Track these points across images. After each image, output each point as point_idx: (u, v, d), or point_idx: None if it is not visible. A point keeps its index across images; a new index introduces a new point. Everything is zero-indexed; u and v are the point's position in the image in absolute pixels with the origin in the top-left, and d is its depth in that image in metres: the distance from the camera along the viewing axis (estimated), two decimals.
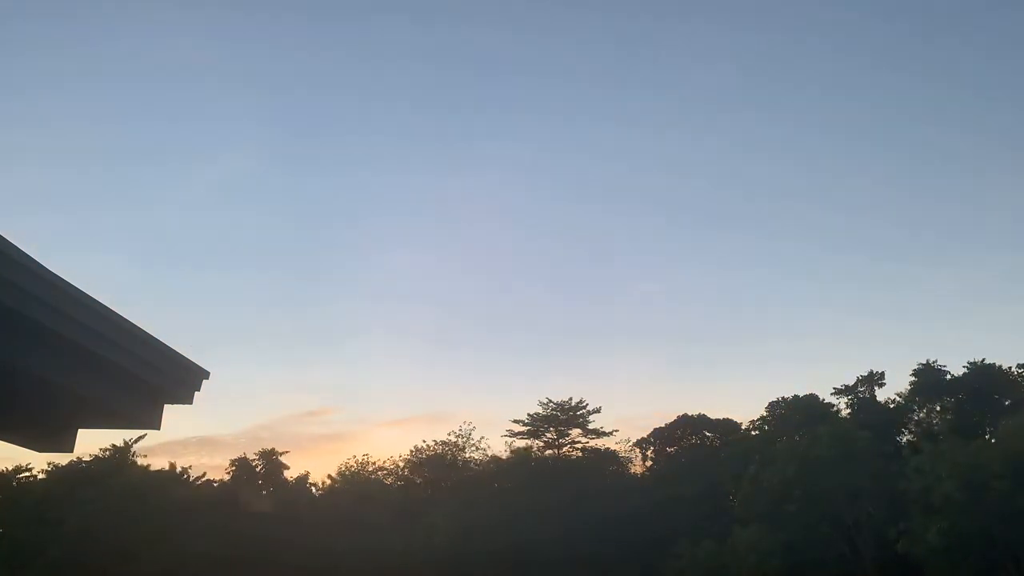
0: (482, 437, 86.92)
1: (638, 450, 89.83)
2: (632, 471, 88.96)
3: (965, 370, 76.79)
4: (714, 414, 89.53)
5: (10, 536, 63.23)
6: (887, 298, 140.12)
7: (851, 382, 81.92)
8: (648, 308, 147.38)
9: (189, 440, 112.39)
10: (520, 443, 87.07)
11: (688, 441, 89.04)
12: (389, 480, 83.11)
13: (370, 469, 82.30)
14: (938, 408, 78.18)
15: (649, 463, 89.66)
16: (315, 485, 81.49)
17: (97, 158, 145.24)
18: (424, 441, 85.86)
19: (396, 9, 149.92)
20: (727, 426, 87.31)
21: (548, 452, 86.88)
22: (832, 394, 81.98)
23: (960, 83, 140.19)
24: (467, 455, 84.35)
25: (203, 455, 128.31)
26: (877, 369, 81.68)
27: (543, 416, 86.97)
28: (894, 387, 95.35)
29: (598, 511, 70.07)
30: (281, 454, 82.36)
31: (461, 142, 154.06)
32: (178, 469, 77.03)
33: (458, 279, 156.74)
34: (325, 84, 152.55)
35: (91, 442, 76.16)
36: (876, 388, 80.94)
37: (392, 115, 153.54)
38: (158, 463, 78.03)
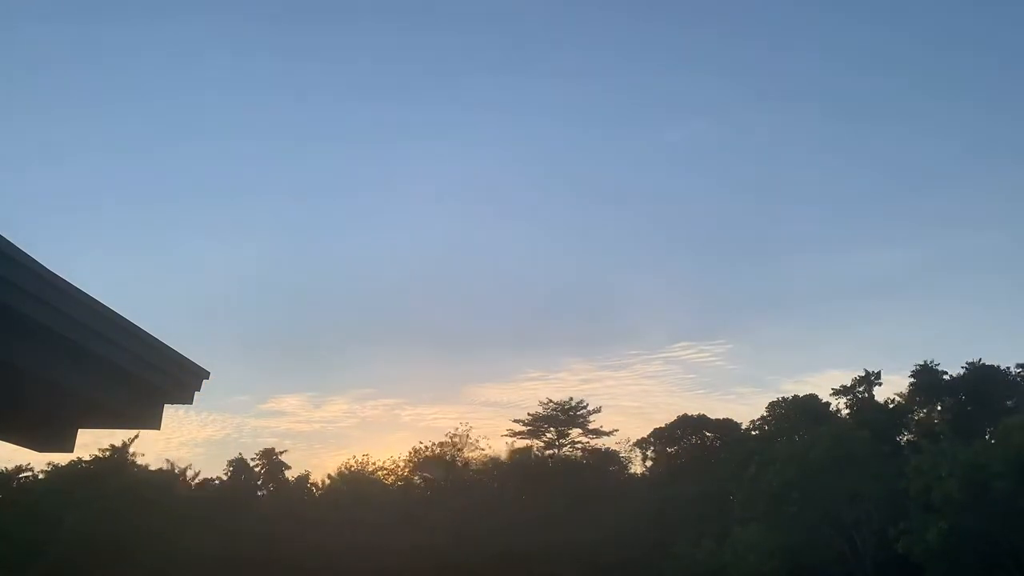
0: (480, 437, 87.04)
1: (638, 450, 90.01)
2: (632, 471, 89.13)
3: (964, 370, 76.91)
4: (714, 414, 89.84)
5: (10, 536, 63.21)
6: (887, 297, 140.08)
7: (850, 382, 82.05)
8: (648, 311, 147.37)
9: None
10: (520, 443, 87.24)
11: (688, 441, 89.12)
12: (389, 480, 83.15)
13: (370, 469, 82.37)
14: (938, 408, 78.24)
15: (649, 463, 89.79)
16: (315, 485, 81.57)
17: None
18: (423, 441, 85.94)
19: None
20: (727, 426, 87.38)
21: (548, 452, 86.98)
22: (832, 394, 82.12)
23: (969, 67, 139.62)
24: (467, 455, 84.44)
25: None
26: (876, 369, 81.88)
27: (543, 416, 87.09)
28: (894, 387, 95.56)
29: (598, 511, 70.09)
30: (280, 453, 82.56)
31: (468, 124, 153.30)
32: (176, 469, 77.13)
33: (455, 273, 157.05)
34: None
35: (92, 442, 76.14)
36: (875, 388, 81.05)
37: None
38: (160, 462, 78.19)
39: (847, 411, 79.83)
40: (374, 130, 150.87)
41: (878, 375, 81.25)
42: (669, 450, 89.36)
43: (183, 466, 78.50)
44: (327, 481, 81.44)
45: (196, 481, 78.17)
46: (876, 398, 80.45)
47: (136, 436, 72.81)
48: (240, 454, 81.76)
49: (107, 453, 73.85)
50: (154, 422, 5.84)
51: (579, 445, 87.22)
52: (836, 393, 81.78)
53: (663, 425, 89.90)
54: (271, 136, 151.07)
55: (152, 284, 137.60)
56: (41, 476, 72.83)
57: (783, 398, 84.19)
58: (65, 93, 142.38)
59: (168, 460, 78.64)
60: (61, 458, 70.06)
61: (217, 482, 79.53)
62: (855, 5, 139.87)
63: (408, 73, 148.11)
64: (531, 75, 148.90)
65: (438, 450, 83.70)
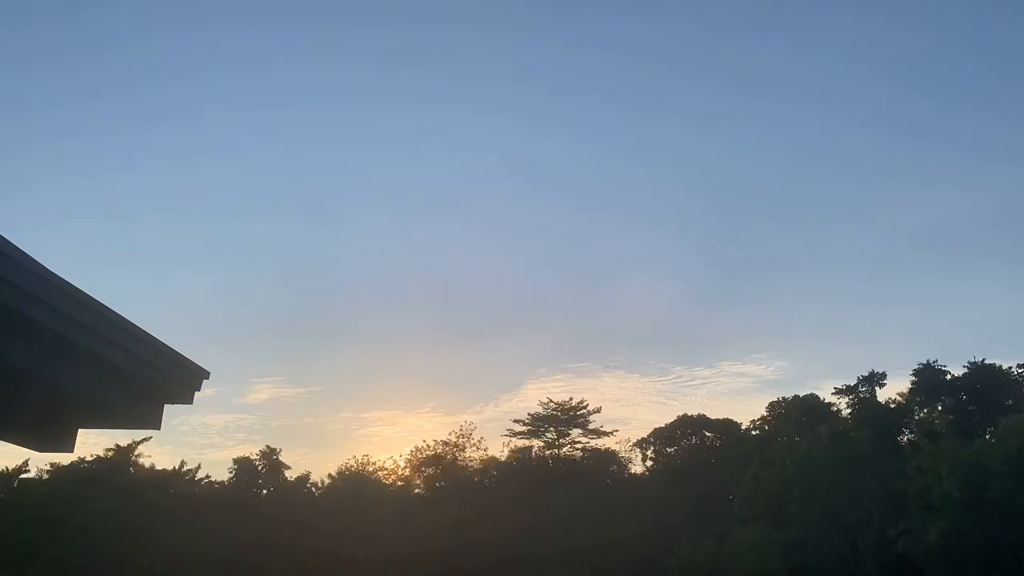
0: (482, 438, 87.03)
1: (638, 450, 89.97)
2: (632, 471, 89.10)
3: (965, 370, 76.87)
4: (714, 414, 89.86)
5: (11, 535, 63.24)
6: (887, 298, 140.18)
7: (852, 382, 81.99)
8: (646, 314, 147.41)
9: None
10: (521, 443, 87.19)
11: (688, 441, 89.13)
12: (389, 480, 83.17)
13: (370, 469, 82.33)
14: (939, 408, 78.19)
15: (649, 463, 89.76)
16: (315, 485, 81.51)
17: None
18: (424, 441, 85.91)
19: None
20: (727, 426, 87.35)
21: (548, 452, 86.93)
22: (832, 394, 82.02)
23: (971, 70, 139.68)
24: (467, 455, 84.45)
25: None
26: (877, 369, 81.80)
27: (543, 416, 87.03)
28: (895, 387, 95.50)
29: (598, 511, 70.08)
30: (280, 453, 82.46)
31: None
32: (180, 468, 77.03)
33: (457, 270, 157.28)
34: None
35: (93, 442, 76.14)
36: (877, 388, 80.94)
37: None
38: (161, 462, 78.13)
39: (848, 411, 79.76)
40: (371, 122, 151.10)
41: (883, 375, 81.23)
42: (669, 450, 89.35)
43: (187, 467, 78.42)
44: (327, 481, 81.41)
45: (199, 481, 77.99)
46: (878, 398, 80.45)
47: (148, 437, 72.64)
48: (248, 455, 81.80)
49: (110, 453, 73.85)
50: (154, 422, 5.85)
51: (579, 445, 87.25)
52: (837, 392, 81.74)
53: (663, 425, 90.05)
54: (266, 130, 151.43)
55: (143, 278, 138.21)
56: (43, 476, 72.88)
57: (783, 398, 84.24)
58: (57, 89, 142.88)
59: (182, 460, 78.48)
60: (62, 458, 70.14)
61: (218, 483, 79.44)
62: None
63: (394, 72, 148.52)
64: (527, 78, 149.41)
65: (439, 450, 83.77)
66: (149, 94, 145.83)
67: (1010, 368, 77.76)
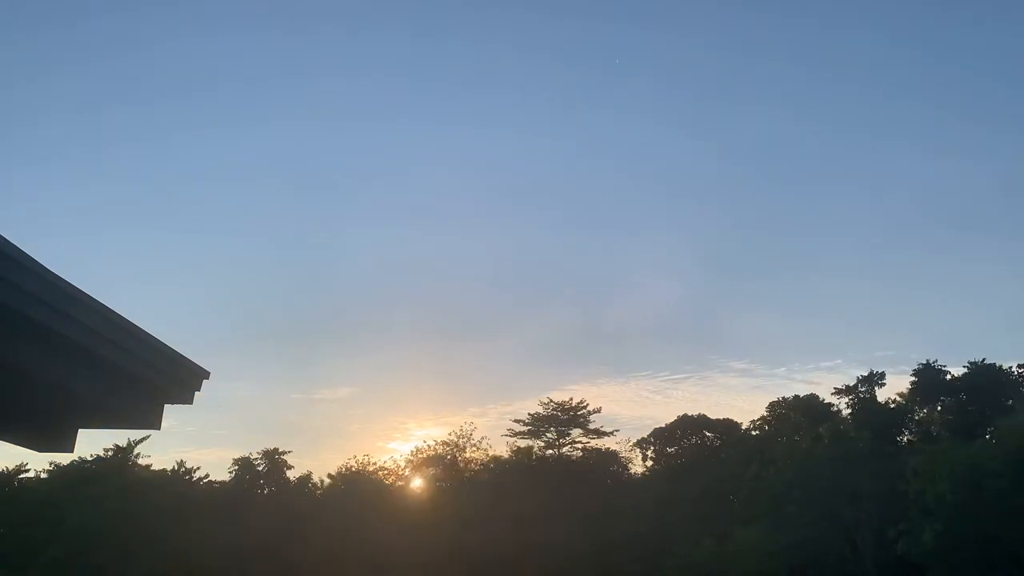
0: (483, 437, 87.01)
1: (638, 450, 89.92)
2: (632, 471, 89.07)
3: (965, 370, 76.84)
4: (714, 414, 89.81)
5: (11, 535, 63.22)
6: (887, 298, 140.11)
7: (851, 382, 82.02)
8: (644, 314, 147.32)
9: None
10: (521, 443, 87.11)
11: (688, 441, 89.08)
12: (390, 480, 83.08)
13: (371, 469, 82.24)
14: (938, 408, 78.18)
15: (649, 463, 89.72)
16: (316, 485, 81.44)
17: None
18: (425, 441, 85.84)
19: None
20: (727, 426, 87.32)
21: (549, 452, 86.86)
22: (832, 394, 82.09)
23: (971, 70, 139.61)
24: (468, 455, 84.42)
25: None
26: (877, 369, 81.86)
27: (544, 416, 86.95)
28: (894, 387, 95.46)
29: (598, 511, 70.07)
30: (283, 453, 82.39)
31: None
32: (180, 469, 76.96)
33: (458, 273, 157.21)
34: None
35: (93, 442, 76.03)
36: (876, 388, 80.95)
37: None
38: (161, 462, 78.08)
39: (848, 411, 79.76)
40: (374, 121, 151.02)
41: (882, 375, 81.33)
42: (669, 450, 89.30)
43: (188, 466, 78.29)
44: (327, 481, 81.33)
45: (200, 481, 77.93)
46: (878, 398, 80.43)
47: (146, 436, 72.50)
48: (249, 454, 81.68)
49: (110, 453, 73.78)
50: (154, 422, 5.84)
51: (579, 445, 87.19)
52: (837, 392, 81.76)
53: (663, 425, 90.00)
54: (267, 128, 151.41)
55: (145, 276, 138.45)
56: (43, 476, 72.82)
57: (783, 398, 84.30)
58: (56, 89, 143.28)
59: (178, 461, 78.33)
60: (63, 458, 70.06)
61: (218, 483, 79.37)
62: None
63: (396, 83, 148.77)
64: (530, 89, 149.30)
65: (440, 450, 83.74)
66: (149, 105, 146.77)
67: (1010, 368, 77.85)
